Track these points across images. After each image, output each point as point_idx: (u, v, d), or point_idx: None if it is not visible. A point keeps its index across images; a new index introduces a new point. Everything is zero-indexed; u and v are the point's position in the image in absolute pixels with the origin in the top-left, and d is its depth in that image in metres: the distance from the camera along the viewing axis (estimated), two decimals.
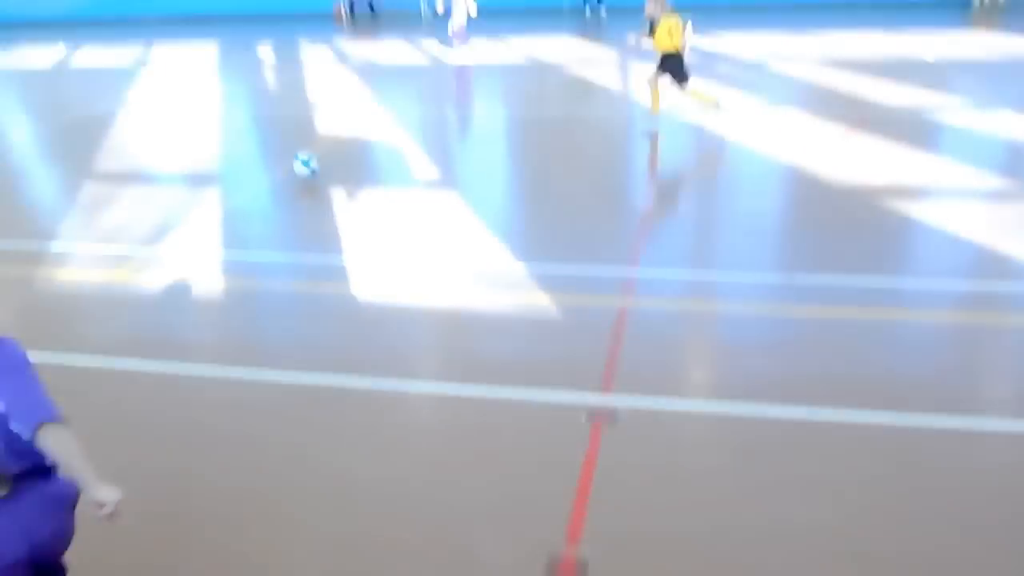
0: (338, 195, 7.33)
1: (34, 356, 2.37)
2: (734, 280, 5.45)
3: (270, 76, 14.03)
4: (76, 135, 10.18)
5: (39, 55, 16.64)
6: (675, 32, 8.80)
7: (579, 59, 13.76)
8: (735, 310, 5.04)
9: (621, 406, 3.96)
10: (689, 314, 5.10)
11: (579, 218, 6.74)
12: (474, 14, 14.09)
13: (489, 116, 10.81)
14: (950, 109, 9.50)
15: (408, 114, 10.39)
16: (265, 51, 15.97)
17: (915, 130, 8.69)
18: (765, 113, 9.78)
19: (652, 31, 8.90)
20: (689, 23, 8.82)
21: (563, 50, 14.62)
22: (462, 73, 13.32)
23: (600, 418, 3.88)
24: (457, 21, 13.77)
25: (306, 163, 7.53)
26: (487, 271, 5.67)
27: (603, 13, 18.34)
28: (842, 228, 6.26)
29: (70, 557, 2.50)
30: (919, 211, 6.46)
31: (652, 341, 4.71)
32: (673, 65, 8.93)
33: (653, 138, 9.20)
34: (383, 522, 3.26)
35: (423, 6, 19.59)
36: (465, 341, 4.81)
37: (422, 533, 3.19)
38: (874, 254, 5.68)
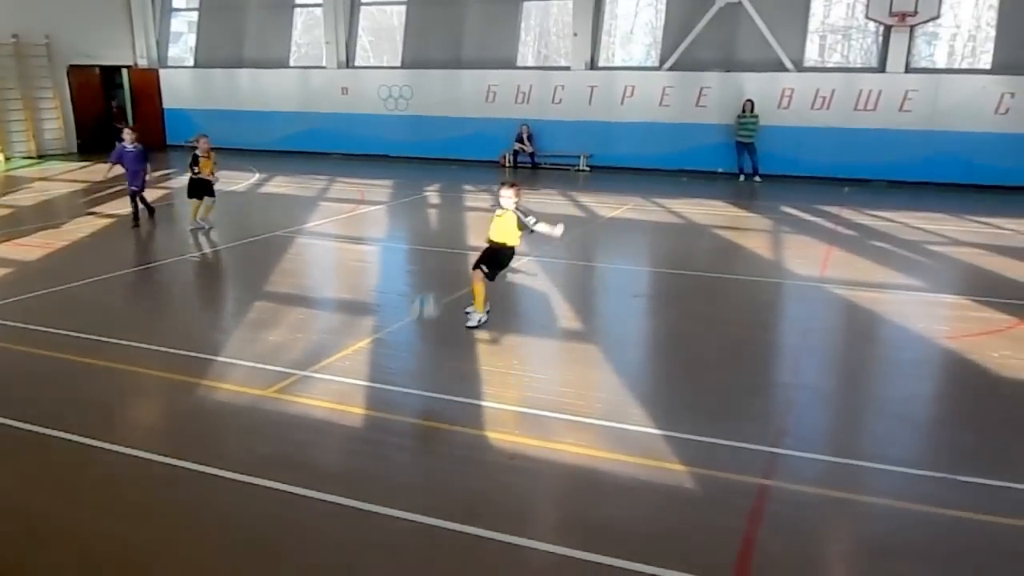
0: (481, 338, 7.53)
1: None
2: (886, 470, 5.09)
3: (433, 215, 14.94)
4: (254, 254, 11.12)
5: (236, 178, 18.40)
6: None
7: (730, 223, 13.82)
8: (886, 505, 4.67)
9: None
10: (835, 504, 4.76)
11: (718, 385, 6.57)
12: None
13: (634, 271, 10.94)
14: None
15: (554, 262, 10.68)
16: (432, 190, 17.10)
17: None
18: (923, 296, 9.35)
19: None
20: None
21: (714, 213, 14.77)
22: (612, 228, 13.66)
23: None
24: None
25: (423, 302, 7.20)
26: (618, 430, 5.58)
27: (757, 179, 18.50)
28: (1009, 427, 5.78)
29: None
30: None
31: (793, 529, 4.43)
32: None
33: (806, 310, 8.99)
34: None
35: (581, 163, 20.53)
36: (589, 503, 4.70)
37: None
38: None
